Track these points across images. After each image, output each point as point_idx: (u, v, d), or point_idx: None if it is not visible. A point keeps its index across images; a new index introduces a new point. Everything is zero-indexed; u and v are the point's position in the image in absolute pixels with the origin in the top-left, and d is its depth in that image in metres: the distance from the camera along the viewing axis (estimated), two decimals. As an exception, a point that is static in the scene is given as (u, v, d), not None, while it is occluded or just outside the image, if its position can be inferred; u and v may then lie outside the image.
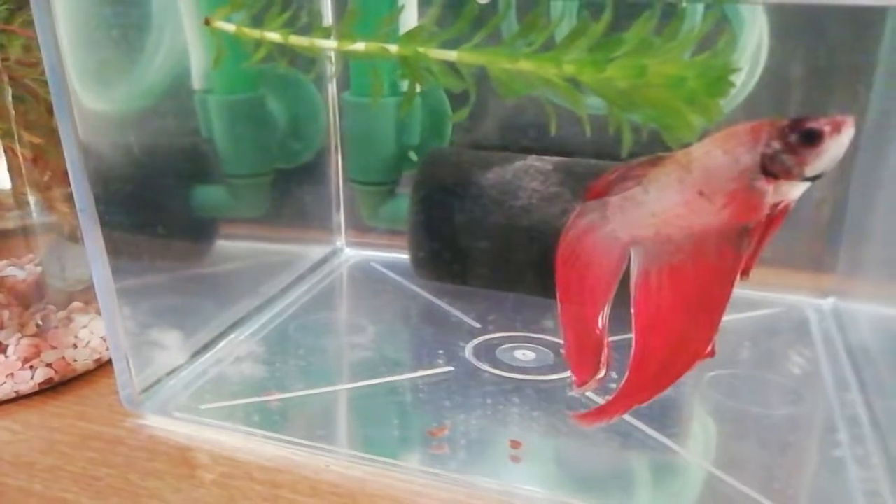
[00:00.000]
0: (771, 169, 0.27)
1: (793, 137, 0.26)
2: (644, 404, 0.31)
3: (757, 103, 0.50)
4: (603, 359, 0.32)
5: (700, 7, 0.29)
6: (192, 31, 0.52)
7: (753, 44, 0.49)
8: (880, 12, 0.49)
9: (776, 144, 0.26)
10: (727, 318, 0.50)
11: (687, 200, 0.28)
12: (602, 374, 0.32)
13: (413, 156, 0.61)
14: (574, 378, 0.33)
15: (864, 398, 0.44)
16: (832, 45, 0.51)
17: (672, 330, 0.29)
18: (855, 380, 0.46)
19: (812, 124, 0.26)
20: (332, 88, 0.64)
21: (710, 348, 0.29)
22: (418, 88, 0.32)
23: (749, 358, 0.49)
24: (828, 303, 0.57)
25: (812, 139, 0.26)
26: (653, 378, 0.30)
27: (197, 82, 0.54)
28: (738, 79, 0.45)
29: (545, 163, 0.54)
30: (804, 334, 0.53)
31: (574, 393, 0.45)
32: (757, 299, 0.57)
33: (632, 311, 0.30)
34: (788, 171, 0.26)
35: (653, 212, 0.29)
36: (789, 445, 0.41)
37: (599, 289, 0.31)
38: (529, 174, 0.53)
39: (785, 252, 0.57)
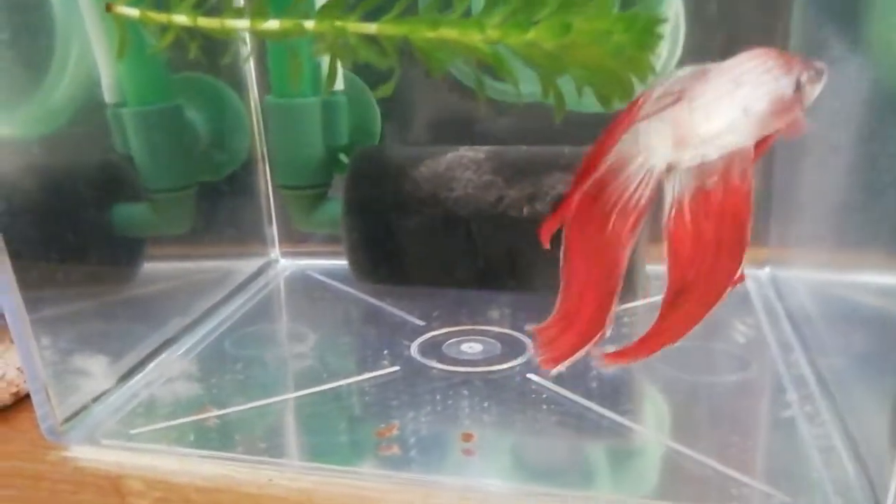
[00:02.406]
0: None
1: (811, 72, 0.27)
2: (675, 343, 0.29)
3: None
4: (611, 314, 0.29)
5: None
6: (100, 43, 0.49)
7: (672, 21, 0.50)
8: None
9: (805, 76, 0.27)
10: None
11: (732, 118, 0.27)
12: (608, 332, 0.30)
13: (343, 158, 0.60)
14: (546, 355, 0.30)
15: (808, 358, 0.45)
16: (746, 17, 0.52)
17: (706, 259, 0.28)
18: (798, 342, 0.47)
19: (820, 63, 0.28)
20: (255, 94, 0.62)
21: (739, 273, 0.28)
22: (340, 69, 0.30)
23: (695, 330, 0.49)
24: (765, 272, 0.57)
25: (821, 76, 0.27)
26: (688, 312, 0.28)
27: (108, 96, 0.52)
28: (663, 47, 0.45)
29: (477, 152, 0.53)
30: (746, 303, 0.53)
31: (537, 376, 0.44)
32: (697, 275, 0.57)
33: (666, 246, 0.28)
34: (802, 103, 0.27)
35: (697, 132, 0.27)
36: (741, 410, 0.41)
37: (628, 228, 0.29)
38: (462, 164, 0.52)
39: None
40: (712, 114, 0.27)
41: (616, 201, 0.28)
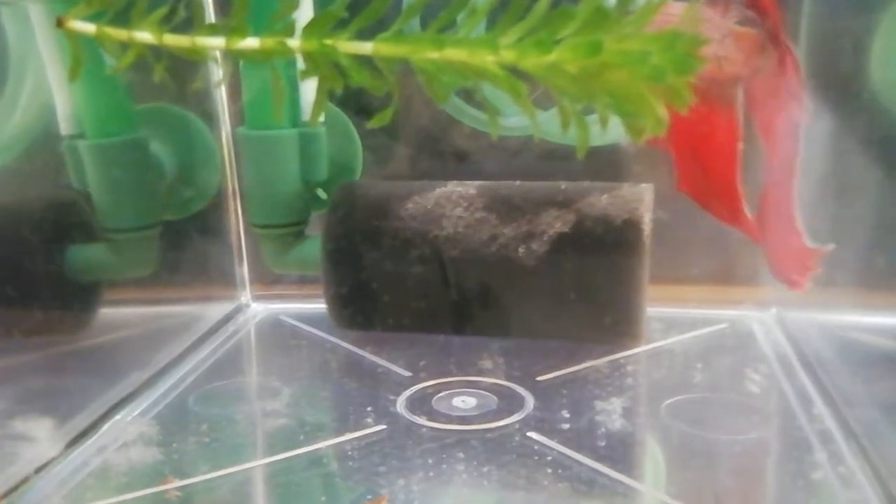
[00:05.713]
0: None
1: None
2: None
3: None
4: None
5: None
6: (55, 69, 0.46)
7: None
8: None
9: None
10: (674, 339, 0.47)
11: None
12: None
13: (321, 194, 0.56)
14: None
15: (831, 411, 0.41)
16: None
17: None
18: (817, 392, 0.44)
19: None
20: (226, 125, 0.58)
21: None
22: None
23: (704, 380, 0.46)
24: (771, 314, 0.54)
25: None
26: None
27: (64, 127, 0.48)
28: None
29: (467, 187, 0.49)
30: (754, 348, 0.50)
31: (539, 434, 0.40)
32: (700, 317, 0.54)
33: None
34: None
35: None
36: (766, 472, 0.37)
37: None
38: (452, 201, 0.49)
39: (721, 267, 0.55)
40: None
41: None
